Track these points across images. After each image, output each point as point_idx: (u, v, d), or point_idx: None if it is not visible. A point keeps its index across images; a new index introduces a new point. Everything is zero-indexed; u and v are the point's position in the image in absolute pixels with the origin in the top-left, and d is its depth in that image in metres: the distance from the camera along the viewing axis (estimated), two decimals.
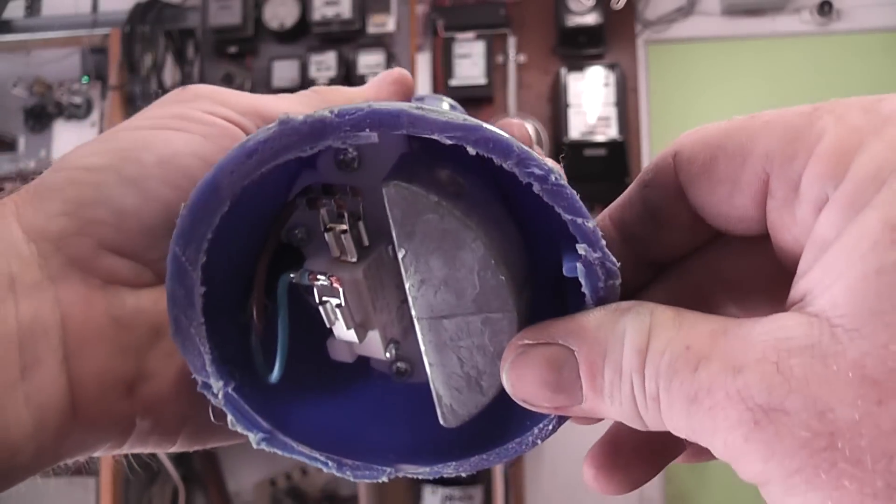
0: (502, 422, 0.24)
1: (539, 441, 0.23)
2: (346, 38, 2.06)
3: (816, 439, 0.15)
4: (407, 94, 0.31)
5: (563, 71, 2.04)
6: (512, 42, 2.16)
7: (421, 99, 0.32)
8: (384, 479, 0.26)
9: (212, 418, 0.25)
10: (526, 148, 0.18)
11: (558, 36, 2.12)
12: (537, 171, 0.18)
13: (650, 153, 2.18)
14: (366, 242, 0.25)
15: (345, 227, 0.24)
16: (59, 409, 0.23)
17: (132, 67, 2.06)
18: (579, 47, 2.13)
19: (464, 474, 0.26)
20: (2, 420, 0.22)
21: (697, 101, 2.32)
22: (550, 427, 0.23)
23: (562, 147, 1.93)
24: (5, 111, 2.21)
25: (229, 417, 0.24)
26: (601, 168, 1.96)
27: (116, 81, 2.08)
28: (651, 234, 0.23)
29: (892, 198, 0.16)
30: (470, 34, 2.09)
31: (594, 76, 2.04)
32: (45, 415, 0.23)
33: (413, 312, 0.22)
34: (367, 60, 2.01)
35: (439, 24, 2.09)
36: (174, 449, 0.28)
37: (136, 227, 0.25)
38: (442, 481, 2.06)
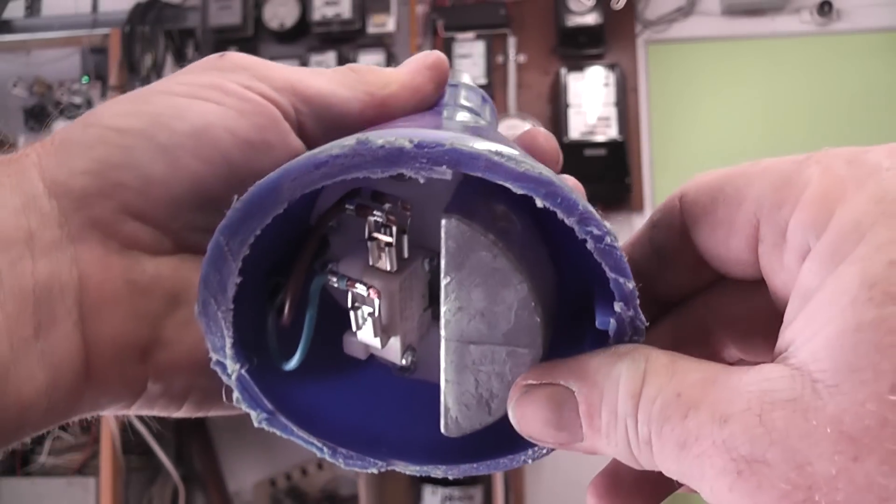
0: (499, 435, 0.24)
1: (530, 461, 0.24)
2: (346, 38, 2.06)
3: (795, 492, 0.15)
4: (441, 80, 0.31)
5: (563, 71, 2.04)
6: (512, 42, 2.16)
7: (456, 86, 0.32)
8: (374, 470, 0.27)
9: (223, 398, 0.26)
10: (589, 207, 0.19)
11: (558, 36, 2.12)
12: (595, 231, 0.19)
13: (650, 153, 2.18)
14: (406, 255, 0.25)
15: (391, 240, 0.24)
16: (72, 370, 0.24)
17: (132, 67, 2.06)
18: (579, 47, 2.13)
19: (450, 477, 0.27)
20: (14, 377, 0.22)
21: (697, 101, 2.32)
22: (545, 451, 0.24)
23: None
24: (5, 111, 2.21)
25: (235, 395, 0.24)
26: (601, 168, 1.96)
27: (116, 81, 2.08)
28: (658, 273, 0.24)
29: (870, 253, 0.16)
30: (470, 34, 2.09)
31: (594, 76, 2.04)
32: (58, 374, 0.23)
33: (442, 333, 0.23)
34: (367, 60, 2.01)
35: (439, 24, 2.09)
36: (178, 414, 0.28)
37: (161, 195, 0.25)
38: (442, 481, 2.06)
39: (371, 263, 0.25)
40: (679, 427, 0.18)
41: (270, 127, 0.27)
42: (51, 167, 0.24)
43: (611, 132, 1.99)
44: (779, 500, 0.16)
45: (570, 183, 0.26)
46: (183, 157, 0.25)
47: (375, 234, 0.24)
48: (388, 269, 0.25)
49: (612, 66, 2.06)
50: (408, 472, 0.27)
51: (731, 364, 0.25)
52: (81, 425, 2.03)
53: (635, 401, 0.19)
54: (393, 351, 0.26)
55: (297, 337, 0.25)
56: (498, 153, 0.19)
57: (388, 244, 0.24)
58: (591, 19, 2.06)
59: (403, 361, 0.26)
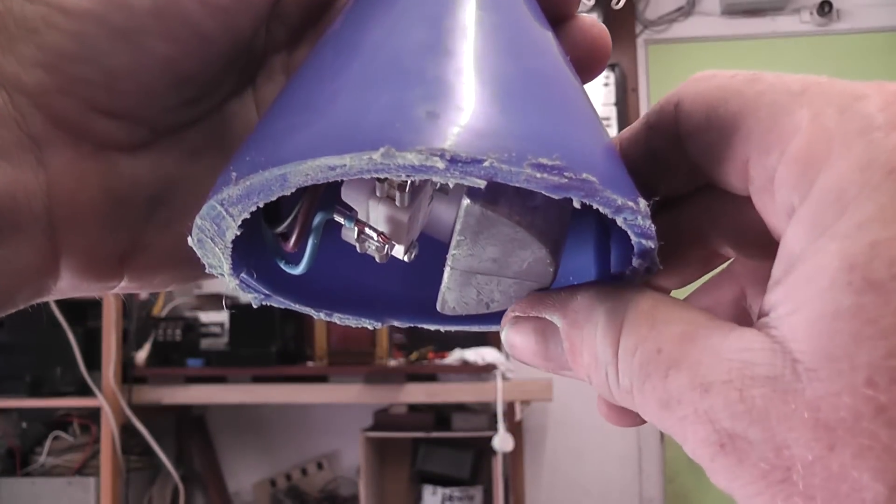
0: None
1: None
2: None
3: (774, 472, 0.16)
4: None
5: None
6: None
7: None
8: (368, 326, 0.27)
9: (224, 305, 0.25)
10: (627, 200, 0.18)
11: None
12: (627, 216, 0.19)
13: None
14: (417, 182, 0.23)
15: (404, 183, 0.22)
16: (36, 277, 0.22)
17: None
18: None
19: (442, 330, 0.27)
20: None
21: None
22: None
23: None
24: None
25: (232, 287, 0.24)
26: None
27: None
28: (653, 174, 0.23)
29: (851, 230, 0.16)
30: None
31: None
32: (20, 279, 0.22)
33: (448, 262, 0.22)
34: None
35: None
36: (154, 290, 0.27)
37: (129, 87, 0.22)
38: (442, 482, 2.06)
39: (379, 195, 0.23)
40: (660, 386, 0.18)
41: None
42: None
43: (611, 132, 1.99)
44: (759, 478, 0.16)
45: (595, 36, 0.25)
46: (147, 41, 0.22)
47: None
48: (399, 205, 0.23)
49: (612, 66, 2.07)
50: (400, 325, 0.27)
51: (729, 260, 0.25)
52: (81, 425, 2.04)
53: (613, 350, 0.19)
54: (395, 252, 0.25)
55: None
56: (541, 167, 0.17)
57: (401, 185, 0.22)
58: None
59: (406, 258, 0.25)
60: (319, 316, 0.27)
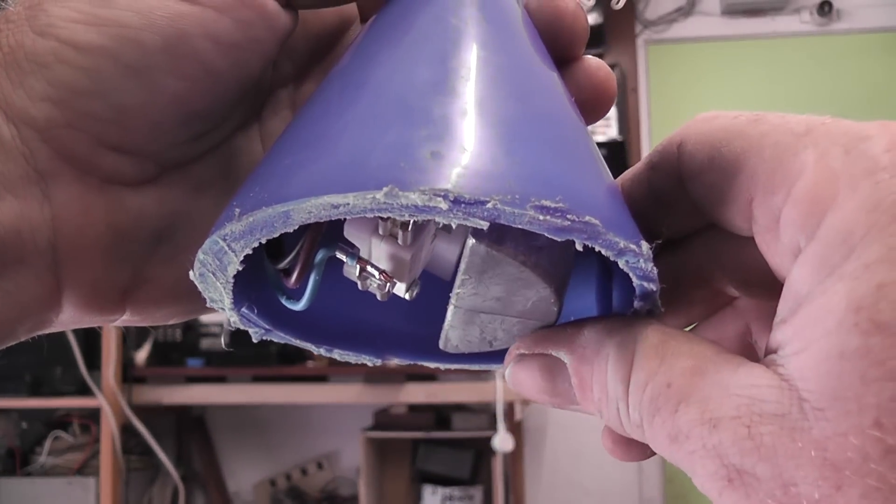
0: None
1: None
2: None
3: None
4: None
5: None
6: None
7: None
8: (368, 363, 0.27)
9: (223, 343, 0.25)
10: (629, 243, 0.19)
11: None
12: (630, 259, 0.19)
13: None
14: (420, 221, 0.23)
15: (407, 222, 0.22)
16: (38, 310, 0.22)
17: None
18: None
19: (442, 368, 0.27)
20: None
21: (697, 101, 2.32)
22: None
23: None
24: None
25: (232, 322, 0.24)
26: None
27: None
28: (656, 215, 0.23)
29: (858, 271, 0.16)
30: None
31: None
32: (21, 313, 0.22)
33: (452, 301, 0.22)
34: None
35: None
36: (155, 323, 0.27)
37: (138, 123, 0.22)
38: (442, 481, 2.06)
39: (382, 233, 0.23)
40: (670, 421, 0.18)
41: (258, 21, 0.23)
42: (2, 85, 0.21)
43: (611, 132, 2.00)
44: None
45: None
46: (158, 79, 0.22)
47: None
48: (402, 244, 0.23)
49: (612, 66, 2.06)
50: (401, 363, 0.27)
51: (734, 298, 0.25)
52: (81, 425, 2.04)
53: (624, 386, 0.19)
54: (397, 290, 0.25)
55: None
56: (544, 209, 0.17)
57: (404, 225, 0.22)
58: (591, 19, 2.06)
59: (407, 296, 0.25)
60: (320, 351, 0.27)
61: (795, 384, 0.16)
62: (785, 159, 0.18)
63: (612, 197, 0.21)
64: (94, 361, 1.88)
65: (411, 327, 0.28)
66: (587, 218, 0.18)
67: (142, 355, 1.99)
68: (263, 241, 0.19)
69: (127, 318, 0.25)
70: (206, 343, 2.06)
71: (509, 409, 1.91)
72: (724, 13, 2.41)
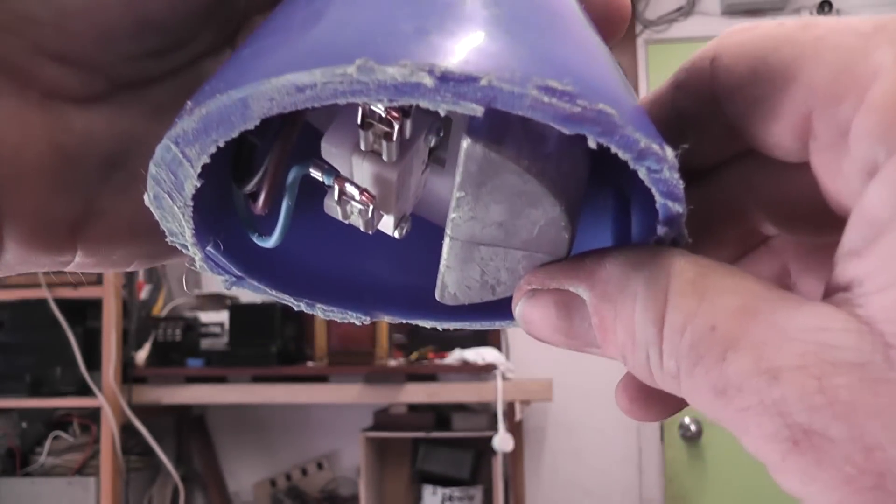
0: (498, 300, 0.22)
1: None
2: None
3: (863, 477, 0.13)
4: None
5: None
6: None
7: None
8: (356, 321, 0.24)
9: (184, 275, 0.22)
10: (650, 142, 0.16)
11: None
12: (652, 165, 0.16)
13: None
14: (408, 136, 0.20)
15: (391, 130, 0.19)
16: None
17: None
18: None
19: (440, 328, 0.24)
20: None
21: None
22: None
23: None
24: None
25: (197, 264, 0.21)
26: None
27: None
28: (681, 140, 0.19)
29: None
30: None
31: None
32: None
33: (448, 232, 0.20)
34: None
35: None
36: (119, 271, 0.24)
37: (83, 28, 0.19)
38: (442, 482, 2.06)
39: (363, 147, 0.20)
40: (715, 371, 0.15)
41: None
42: None
43: None
44: (842, 483, 0.14)
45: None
46: None
47: (371, 121, 0.19)
48: (386, 159, 0.20)
49: None
50: (392, 321, 0.24)
51: (769, 237, 0.22)
52: (81, 425, 2.03)
53: (657, 328, 0.16)
54: (384, 226, 0.22)
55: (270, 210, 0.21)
56: (549, 90, 0.14)
57: (387, 134, 0.19)
58: None
59: (396, 234, 0.22)
60: (300, 306, 0.24)
61: (878, 327, 0.14)
62: (852, 62, 0.16)
63: (629, 93, 0.17)
64: (94, 361, 1.88)
65: (405, 279, 0.25)
66: (601, 106, 0.15)
67: (142, 355, 1.99)
68: (221, 144, 0.17)
69: (80, 260, 0.22)
70: (206, 343, 2.06)
71: (509, 409, 1.91)
72: (724, 13, 2.41)
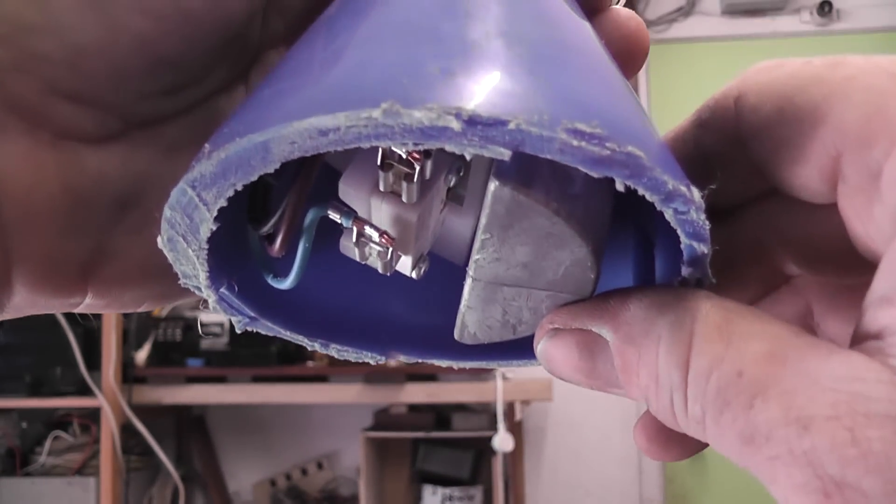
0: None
1: None
2: None
3: None
4: None
5: None
6: None
7: None
8: (371, 361, 0.24)
9: (199, 307, 0.21)
10: (677, 184, 0.16)
11: None
12: (679, 207, 0.16)
13: None
14: (428, 177, 0.19)
15: (411, 172, 0.19)
16: None
17: None
18: None
19: (456, 367, 0.24)
20: None
21: (698, 102, 2.31)
22: None
23: None
24: None
25: (211, 305, 0.21)
26: None
27: None
28: (703, 179, 0.19)
29: None
30: None
31: None
32: None
33: (470, 273, 0.19)
34: None
35: None
36: (129, 311, 0.23)
37: (97, 67, 0.19)
38: (442, 481, 2.06)
39: (382, 188, 0.20)
40: (743, 418, 0.15)
41: None
42: None
43: None
44: None
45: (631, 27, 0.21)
46: (120, 14, 0.19)
47: (391, 161, 0.19)
48: (406, 201, 0.19)
49: None
50: (408, 361, 0.24)
51: (792, 276, 0.21)
52: (81, 425, 2.03)
53: (682, 372, 0.16)
54: (402, 266, 0.22)
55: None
56: (578, 133, 0.14)
57: (408, 175, 0.19)
58: None
59: (414, 274, 0.22)
60: (314, 346, 0.23)
61: None
62: (884, 105, 0.15)
63: (654, 133, 0.17)
64: (94, 361, 1.88)
65: (421, 318, 0.25)
66: (630, 148, 0.15)
67: (142, 355, 1.99)
68: (240, 187, 0.16)
69: (90, 302, 0.21)
70: (206, 343, 2.06)
71: (509, 409, 1.91)
72: (724, 13, 2.41)
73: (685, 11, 2.41)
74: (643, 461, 2.34)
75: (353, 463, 2.26)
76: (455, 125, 0.14)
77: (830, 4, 2.37)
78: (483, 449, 2.01)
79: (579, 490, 2.33)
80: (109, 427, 1.85)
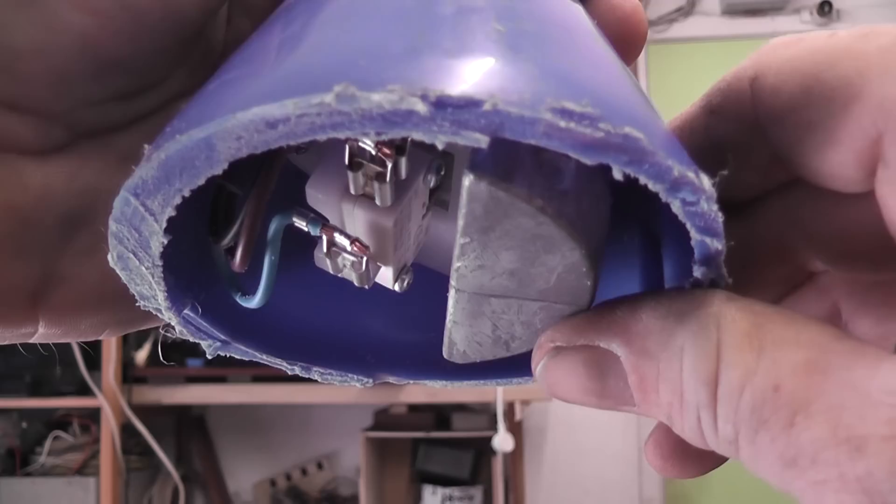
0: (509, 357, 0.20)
1: None
2: None
3: None
4: None
5: None
6: None
7: None
8: (357, 385, 0.22)
9: (162, 334, 0.19)
10: (683, 170, 0.14)
11: None
12: (688, 197, 0.14)
13: None
14: (403, 176, 0.17)
15: (384, 170, 0.17)
16: None
17: None
18: None
19: (449, 388, 0.22)
20: None
21: None
22: None
23: None
24: None
25: (177, 329, 0.19)
26: None
27: None
28: (715, 170, 0.17)
29: None
30: None
31: None
32: None
33: (453, 283, 0.17)
34: None
35: None
36: (90, 339, 0.21)
37: (36, 70, 0.17)
38: (442, 482, 2.06)
39: (353, 191, 0.18)
40: (783, 438, 0.13)
41: None
42: None
43: None
44: None
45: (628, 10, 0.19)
46: (59, 11, 0.17)
47: (360, 160, 0.17)
48: (380, 203, 0.18)
49: None
50: (397, 383, 0.22)
51: (816, 274, 0.19)
52: (81, 425, 2.03)
53: (710, 388, 0.14)
54: (383, 279, 0.20)
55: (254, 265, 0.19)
56: (566, 113, 0.12)
57: (380, 175, 0.17)
58: None
59: (396, 287, 0.20)
60: (294, 370, 0.21)
61: None
62: None
63: (657, 115, 0.15)
64: (94, 361, 1.88)
65: (409, 336, 0.23)
66: (627, 129, 0.13)
67: (142, 355, 1.99)
68: (187, 193, 0.14)
69: (44, 332, 0.19)
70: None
71: (509, 409, 1.91)
72: (724, 13, 2.41)
73: (685, 11, 2.41)
74: (643, 461, 2.34)
75: (353, 463, 2.26)
76: (421, 108, 0.12)
77: (830, 4, 2.37)
78: (483, 449, 2.01)
79: (579, 490, 2.33)
80: (109, 427, 1.85)
